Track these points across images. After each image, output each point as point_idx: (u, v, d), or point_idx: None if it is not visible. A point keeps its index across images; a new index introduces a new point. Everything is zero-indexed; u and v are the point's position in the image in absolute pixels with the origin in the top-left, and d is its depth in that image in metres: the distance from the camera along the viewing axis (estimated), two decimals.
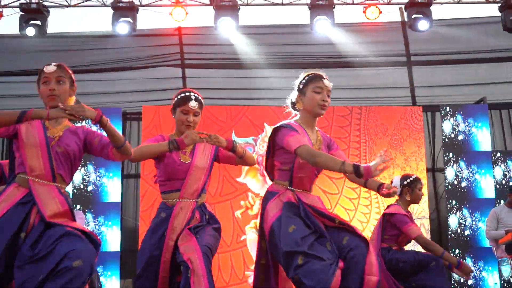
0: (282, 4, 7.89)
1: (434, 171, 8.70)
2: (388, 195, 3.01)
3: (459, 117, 7.92)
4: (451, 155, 7.86)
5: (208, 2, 7.78)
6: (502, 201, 7.32)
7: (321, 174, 3.21)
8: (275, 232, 2.90)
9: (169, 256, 3.14)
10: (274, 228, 2.91)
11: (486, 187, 7.72)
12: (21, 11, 7.75)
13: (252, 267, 7.04)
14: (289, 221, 2.90)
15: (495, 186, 7.72)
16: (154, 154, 3.22)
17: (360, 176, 2.75)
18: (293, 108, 3.25)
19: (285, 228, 2.87)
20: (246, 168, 7.38)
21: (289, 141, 2.97)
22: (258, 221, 7.02)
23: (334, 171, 2.86)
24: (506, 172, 7.78)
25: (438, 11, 7.83)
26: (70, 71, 2.97)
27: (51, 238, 2.58)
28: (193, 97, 3.31)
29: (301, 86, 3.17)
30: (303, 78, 3.20)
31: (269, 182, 7.55)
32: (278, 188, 3.10)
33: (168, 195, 3.30)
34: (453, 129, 7.93)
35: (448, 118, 7.95)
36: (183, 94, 3.36)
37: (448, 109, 7.95)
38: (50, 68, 2.89)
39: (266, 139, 7.44)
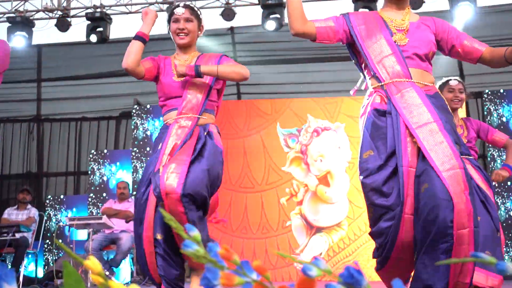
0: None
1: (484, 157, 8.71)
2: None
3: (504, 103, 7.95)
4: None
5: (256, 2, 8.20)
6: None
7: None
8: None
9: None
10: None
11: None
12: (87, 20, 8.48)
13: (297, 250, 7.45)
14: None
15: None
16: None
17: None
18: None
19: None
20: (290, 157, 7.74)
21: None
22: (302, 207, 7.44)
23: None
24: None
25: None
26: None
27: None
28: (181, 5, 3.14)
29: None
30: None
31: (313, 171, 7.85)
32: None
33: (167, 115, 3.08)
34: (499, 114, 7.96)
35: (494, 104, 8.00)
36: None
37: (493, 94, 8.00)
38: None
39: (310, 130, 7.86)
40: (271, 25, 7.93)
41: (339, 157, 7.64)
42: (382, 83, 2.47)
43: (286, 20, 8.05)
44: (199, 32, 3.20)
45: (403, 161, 2.29)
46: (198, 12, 3.18)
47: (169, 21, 3.17)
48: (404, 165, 2.29)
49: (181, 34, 3.10)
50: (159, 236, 2.84)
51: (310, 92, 8.73)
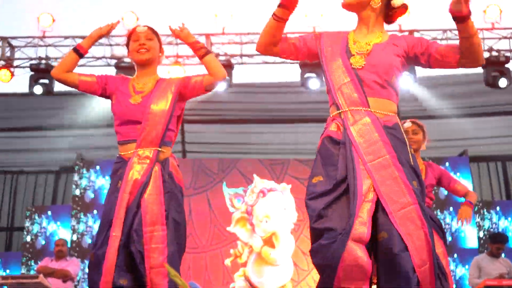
0: (274, 63, 8.37)
1: None
2: None
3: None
4: (436, 206, 8.11)
5: None
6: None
7: None
8: None
9: (123, 212, 2.75)
10: None
11: (470, 236, 7.95)
12: (31, 70, 8.29)
13: None
14: None
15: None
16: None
17: None
18: None
19: None
20: (236, 218, 7.68)
21: None
22: (246, 269, 7.32)
23: None
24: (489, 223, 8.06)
25: (421, 69, 8.21)
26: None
27: None
28: (140, 25, 3.09)
29: None
30: None
31: (258, 232, 7.79)
32: None
33: (124, 147, 2.94)
34: None
35: None
36: None
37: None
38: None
39: (256, 190, 7.84)
40: (220, 85, 8.00)
41: (284, 219, 7.64)
42: (340, 111, 2.45)
43: (234, 81, 8.20)
44: (160, 54, 3.10)
45: (358, 188, 2.28)
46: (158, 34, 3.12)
47: (128, 44, 3.06)
48: (359, 193, 2.27)
49: (141, 50, 2.99)
50: (123, 282, 2.69)
51: (256, 152, 8.79)
